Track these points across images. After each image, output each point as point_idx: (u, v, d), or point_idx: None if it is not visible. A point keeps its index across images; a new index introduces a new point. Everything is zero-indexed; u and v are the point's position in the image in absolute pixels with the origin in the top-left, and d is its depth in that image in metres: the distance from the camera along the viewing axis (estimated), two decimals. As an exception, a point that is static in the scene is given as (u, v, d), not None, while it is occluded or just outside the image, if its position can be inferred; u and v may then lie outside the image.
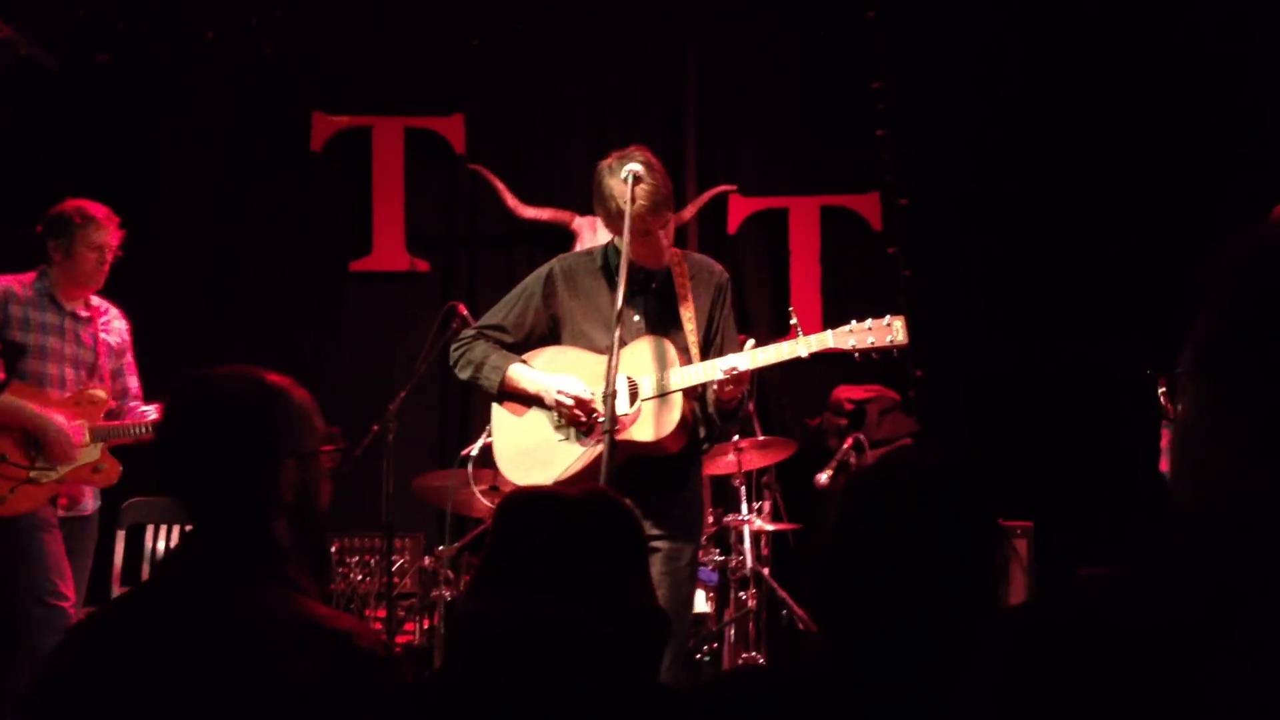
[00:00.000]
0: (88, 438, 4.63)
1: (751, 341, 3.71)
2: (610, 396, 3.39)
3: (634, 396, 3.72)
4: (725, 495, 5.89)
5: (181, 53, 6.78)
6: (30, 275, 4.64)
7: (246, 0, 6.71)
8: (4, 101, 6.44)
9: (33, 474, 4.48)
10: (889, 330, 3.60)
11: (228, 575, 1.94)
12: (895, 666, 1.62)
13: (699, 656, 5.45)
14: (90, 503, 4.77)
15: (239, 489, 1.99)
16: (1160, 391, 1.26)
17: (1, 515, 4.43)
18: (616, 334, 3.45)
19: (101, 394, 4.71)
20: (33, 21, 6.33)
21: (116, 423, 4.74)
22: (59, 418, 4.53)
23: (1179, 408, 1.23)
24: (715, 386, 3.63)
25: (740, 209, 7.00)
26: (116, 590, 5.79)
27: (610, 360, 3.42)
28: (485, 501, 5.14)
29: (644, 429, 3.70)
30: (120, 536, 5.86)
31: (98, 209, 4.69)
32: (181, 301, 6.84)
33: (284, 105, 6.98)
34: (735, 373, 3.56)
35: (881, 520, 1.71)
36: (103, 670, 1.88)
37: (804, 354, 3.59)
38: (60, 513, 4.61)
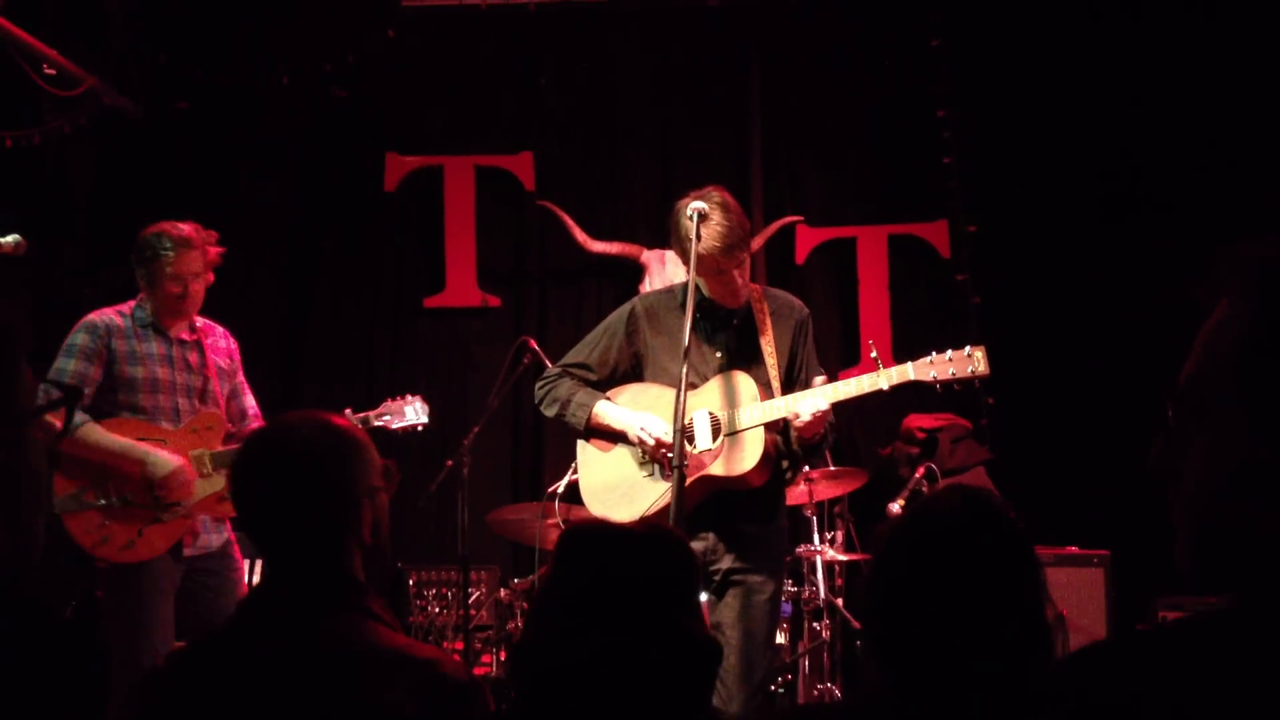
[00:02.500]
0: (209, 465, 4.35)
1: (817, 380, 3.74)
2: (678, 434, 3.42)
3: (717, 432, 3.76)
4: (798, 526, 5.90)
5: (258, 98, 6.95)
6: (129, 304, 4.41)
7: (320, 46, 6.87)
8: (89, 149, 6.64)
9: (159, 513, 4.22)
10: (970, 360, 3.62)
11: (314, 610, 2.01)
12: (957, 707, 1.65)
13: (773, 688, 5.45)
14: (214, 537, 4.40)
15: (321, 532, 2.07)
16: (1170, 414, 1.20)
17: (130, 560, 4.16)
18: (684, 371, 3.49)
19: (218, 418, 4.46)
20: (115, 72, 6.52)
21: (236, 446, 4.34)
22: (175, 458, 4.25)
23: (1196, 431, 1.17)
24: (797, 423, 3.66)
25: (808, 239, 7.02)
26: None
27: (679, 399, 3.46)
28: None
29: (728, 464, 3.73)
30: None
31: (178, 231, 4.40)
32: (260, 339, 6.95)
33: (358, 147, 7.14)
34: (819, 415, 3.60)
35: (922, 571, 1.75)
36: (195, 705, 1.96)
37: (885, 386, 3.63)
38: (186, 551, 4.32)
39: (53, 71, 6.08)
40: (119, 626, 4.12)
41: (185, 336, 4.47)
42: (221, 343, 4.61)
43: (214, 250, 4.48)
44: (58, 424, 3.30)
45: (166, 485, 4.22)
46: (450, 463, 5.53)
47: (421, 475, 6.29)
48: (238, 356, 4.66)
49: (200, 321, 4.55)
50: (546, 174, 7.13)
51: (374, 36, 6.88)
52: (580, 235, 6.93)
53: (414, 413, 4.74)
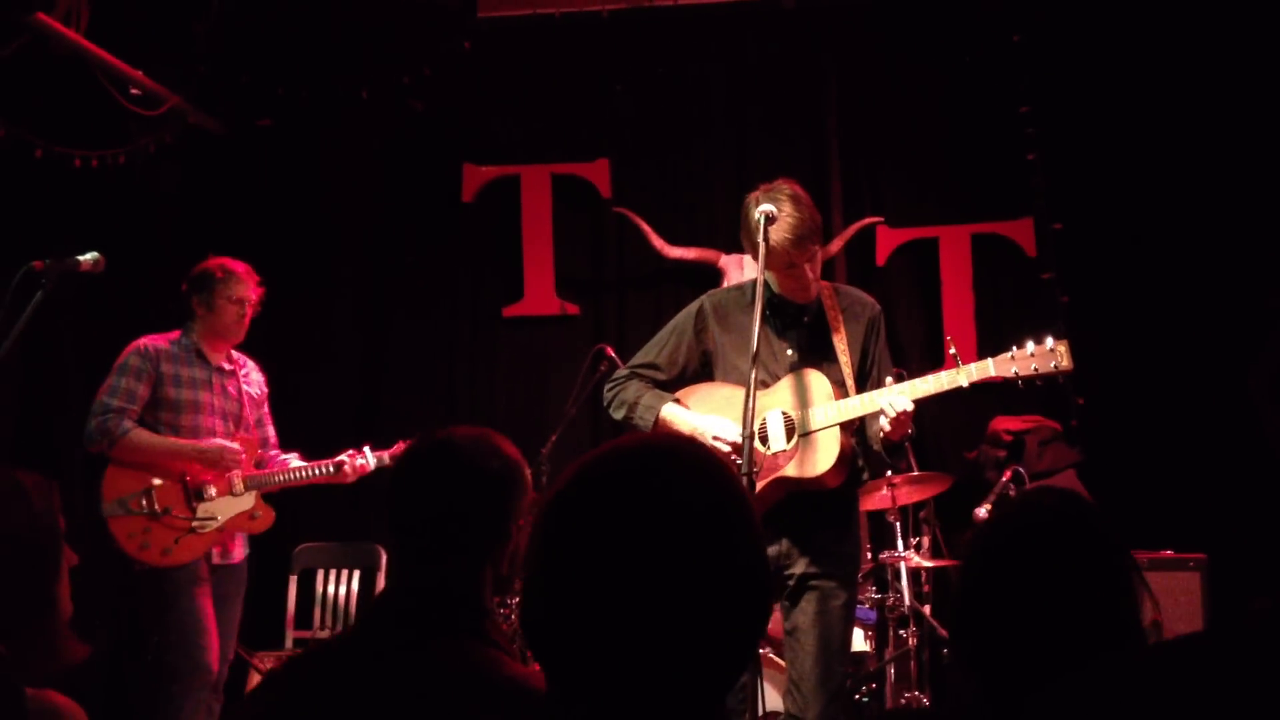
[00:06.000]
0: (240, 486, 4.84)
1: (889, 379, 3.65)
2: (747, 439, 3.35)
3: (791, 432, 3.68)
4: (881, 531, 5.79)
5: (337, 113, 7.03)
6: (175, 333, 4.90)
7: (397, 60, 6.93)
8: (174, 167, 6.77)
9: (195, 524, 4.69)
10: (1053, 355, 3.52)
11: (435, 629, 1.97)
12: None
13: (858, 697, 5.36)
14: (239, 550, 4.95)
15: (467, 555, 2.03)
16: None
17: (166, 565, 4.64)
18: (753, 375, 3.42)
19: (250, 442, 4.95)
20: (199, 91, 6.65)
21: (266, 471, 4.96)
22: (217, 440, 4.80)
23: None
24: (882, 424, 3.58)
25: (889, 240, 6.90)
26: (290, 634, 5.98)
27: (748, 402, 3.38)
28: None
29: (803, 465, 3.65)
30: (293, 582, 6.06)
31: (238, 265, 4.95)
32: (342, 348, 7.07)
33: (435, 158, 7.19)
34: (905, 414, 3.51)
35: (1009, 575, 1.71)
36: (303, 709, 1.93)
37: (964, 383, 3.54)
38: (215, 560, 4.82)
39: (138, 92, 6.22)
40: (167, 623, 4.60)
41: (224, 365, 4.97)
42: (254, 375, 5.14)
43: (257, 290, 4.98)
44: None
45: (221, 459, 4.74)
46: (529, 471, 5.52)
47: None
48: (266, 389, 5.17)
49: (236, 355, 5.05)
50: (623, 181, 7.10)
51: (450, 48, 6.93)
52: (657, 241, 6.90)
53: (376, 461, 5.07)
